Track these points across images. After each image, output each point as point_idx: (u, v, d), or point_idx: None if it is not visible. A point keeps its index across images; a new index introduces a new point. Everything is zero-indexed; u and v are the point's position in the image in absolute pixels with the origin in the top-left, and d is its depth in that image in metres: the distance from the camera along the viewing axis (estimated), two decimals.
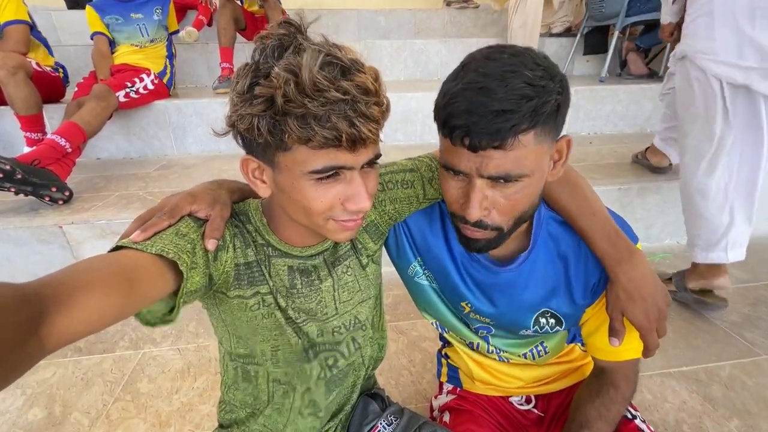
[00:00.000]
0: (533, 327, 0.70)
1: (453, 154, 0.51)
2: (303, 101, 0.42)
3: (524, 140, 0.48)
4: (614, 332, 0.61)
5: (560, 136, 0.54)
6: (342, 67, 0.44)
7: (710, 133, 1.21)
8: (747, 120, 1.17)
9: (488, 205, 0.53)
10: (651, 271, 0.60)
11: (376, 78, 0.47)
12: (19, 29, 1.95)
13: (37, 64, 2.02)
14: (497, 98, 0.46)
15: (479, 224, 0.54)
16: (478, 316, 0.72)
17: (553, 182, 0.62)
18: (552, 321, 0.70)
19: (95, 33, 2.22)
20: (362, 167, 0.50)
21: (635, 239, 0.62)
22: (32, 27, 2.04)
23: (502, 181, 0.50)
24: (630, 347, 0.64)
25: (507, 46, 0.51)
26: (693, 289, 1.37)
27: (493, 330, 0.75)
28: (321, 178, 0.47)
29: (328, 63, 0.43)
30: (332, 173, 0.48)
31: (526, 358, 0.79)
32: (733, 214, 1.25)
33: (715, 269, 1.32)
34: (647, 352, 0.61)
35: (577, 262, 0.65)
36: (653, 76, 2.89)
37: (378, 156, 0.51)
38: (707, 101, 1.20)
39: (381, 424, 0.75)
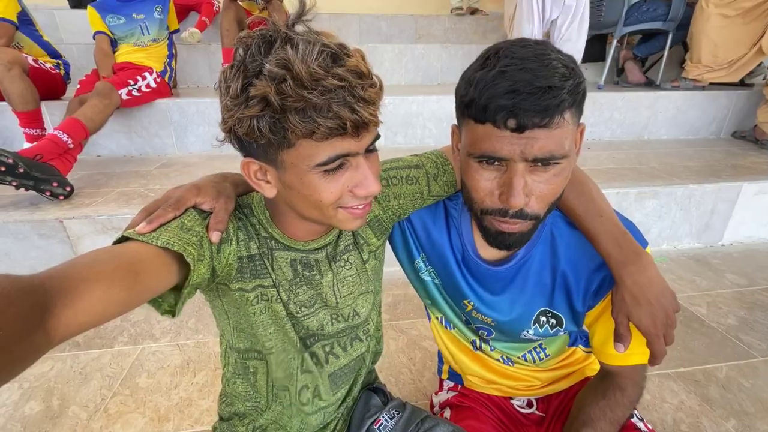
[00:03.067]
0: (533, 326, 0.70)
1: (492, 139, 0.49)
2: (302, 94, 0.41)
3: (566, 118, 0.48)
4: (619, 337, 0.59)
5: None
6: (332, 53, 0.43)
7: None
8: None
9: (527, 193, 0.51)
10: (659, 275, 0.58)
11: (364, 59, 0.46)
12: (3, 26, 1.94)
13: (34, 60, 2.02)
14: (542, 76, 0.46)
15: (520, 214, 0.53)
16: (480, 315, 0.72)
17: None
18: (552, 321, 0.69)
19: (97, 32, 2.23)
20: (365, 152, 0.50)
21: (644, 243, 0.61)
22: (17, 27, 2.02)
23: (540, 164, 0.50)
24: (638, 352, 0.62)
25: (527, 38, 0.51)
26: None
27: (494, 332, 0.75)
28: (328, 170, 0.47)
29: (319, 52, 0.43)
30: (339, 163, 0.47)
31: (525, 360, 0.78)
32: None
33: None
34: (654, 359, 0.59)
35: (579, 266, 0.65)
36: (650, 84, 2.93)
37: (377, 139, 0.51)
38: None
39: (383, 417, 0.75)
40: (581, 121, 0.55)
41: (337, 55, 0.44)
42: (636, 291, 0.57)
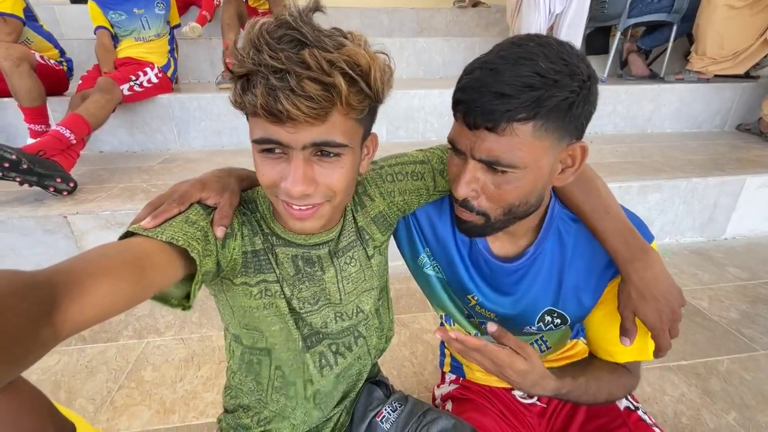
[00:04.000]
0: (537, 324, 0.70)
1: (456, 130, 0.53)
2: (242, 60, 0.43)
3: (519, 129, 0.47)
4: (625, 331, 0.60)
5: (574, 140, 0.52)
6: (300, 40, 0.42)
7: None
8: None
9: (477, 188, 0.53)
10: (665, 271, 0.58)
11: (358, 63, 0.44)
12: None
13: (41, 56, 2.03)
14: (501, 81, 0.46)
15: (465, 204, 0.55)
16: (483, 310, 0.72)
17: None
18: (558, 320, 0.70)
19: (98, 27, 2.23)
20: (316, 154, 0.47)
21: (651, 237, 0.61)
22: (24, 23, 2.03)
23: (492, 166, 0.51)
24: (633, 349, 0.63)
25: (544, 36, 0.50)
26: None
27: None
28: (263, 150, 0.48)
29: (285, 35, 0.42)
30: (273, 148, 0.47)
31: None
32: None
33: None
34: (659, 352, 0.60)
35: (589, 264, 0.65)
36: (654, 77, 2.91)
37: (331, 144, 0.47)
38: None
39: (386, 410, 0.76)
40: (580, 141, 0.53)
41: (306, 43, 0.42)
42: (642, 287, 0.57)
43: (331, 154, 0.48)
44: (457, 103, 0.50)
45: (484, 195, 0.54)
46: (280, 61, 0.41)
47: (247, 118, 0.49)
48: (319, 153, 0.48)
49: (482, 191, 0.53)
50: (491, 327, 0.54)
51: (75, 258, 0.39)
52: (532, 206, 0.57)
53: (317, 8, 0.47)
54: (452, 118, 0.55)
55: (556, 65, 0.47)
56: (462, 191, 0.53)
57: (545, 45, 0.48)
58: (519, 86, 0.46)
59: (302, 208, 0.51)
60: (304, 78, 0.41)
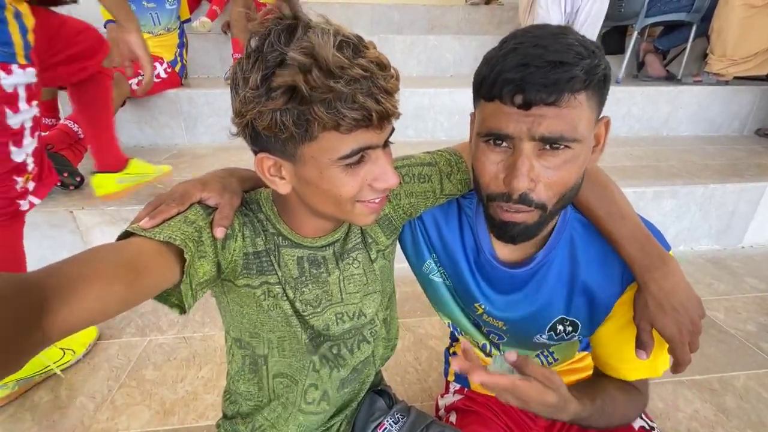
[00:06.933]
0: (548, 333, 0.68)
1: (500, 116, 0.47)
2: (328, 84, 0.40)
3: (579, 99, 0.45)
4: (641, 344, 0.57)
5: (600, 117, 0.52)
6: (353, 44, 0.43)
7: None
8: None
9: (534, 177, 0.49)
10: (684, 281, 0.56)
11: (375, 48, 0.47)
12: None
13: None
14: (554, 50, 0.44)
15: (523, 199, 0.50)
16: (491, 319, 0.70)
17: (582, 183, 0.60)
18: (569, 328, 0.67)
19: (108, 21, 2.22)
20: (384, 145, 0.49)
21: (668, 247, 0.59)
22: None
23: (549, 147, 0.47)
24: (643, 366, 0.60)
25: (548, 23, 0.50)
26: None
27: (505, 338, 0.73)
28: (350, 164, 0.46)
29: (341, 42, 0.42)
30: (359, 156, 0.47)
31: None
32: None
33: None
34: (678, 367, 0.57)
35: (604, 271, 0.62)
36: (671, 78, 2.84)
37: (392, 130, 0.50)
38: None
39: (388, 421, 0.74)
40: (604, 115, 0.52)
41: (356, 45, 0.43)
42: (661, 297, 0.54)
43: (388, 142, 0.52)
44: (505, 85, 0.46)
45: (541, 183, 0.49)
46: (364, 68, 0.42)
47: (302, 143, 0.45)
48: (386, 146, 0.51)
49: (539, 179, 0.49)
50: (510, 356, 0.48)
51: (68, 260, 0.38)
52: (578, 189, 0.54)
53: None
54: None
55: (585, 39, 0.47)
56: (523, 183, 0.48)
57: (562, 27, 0.49)
58: (573, 54, 0.44)
59: (381, 199, 0.53)
60: (389, 78, 0.44)
